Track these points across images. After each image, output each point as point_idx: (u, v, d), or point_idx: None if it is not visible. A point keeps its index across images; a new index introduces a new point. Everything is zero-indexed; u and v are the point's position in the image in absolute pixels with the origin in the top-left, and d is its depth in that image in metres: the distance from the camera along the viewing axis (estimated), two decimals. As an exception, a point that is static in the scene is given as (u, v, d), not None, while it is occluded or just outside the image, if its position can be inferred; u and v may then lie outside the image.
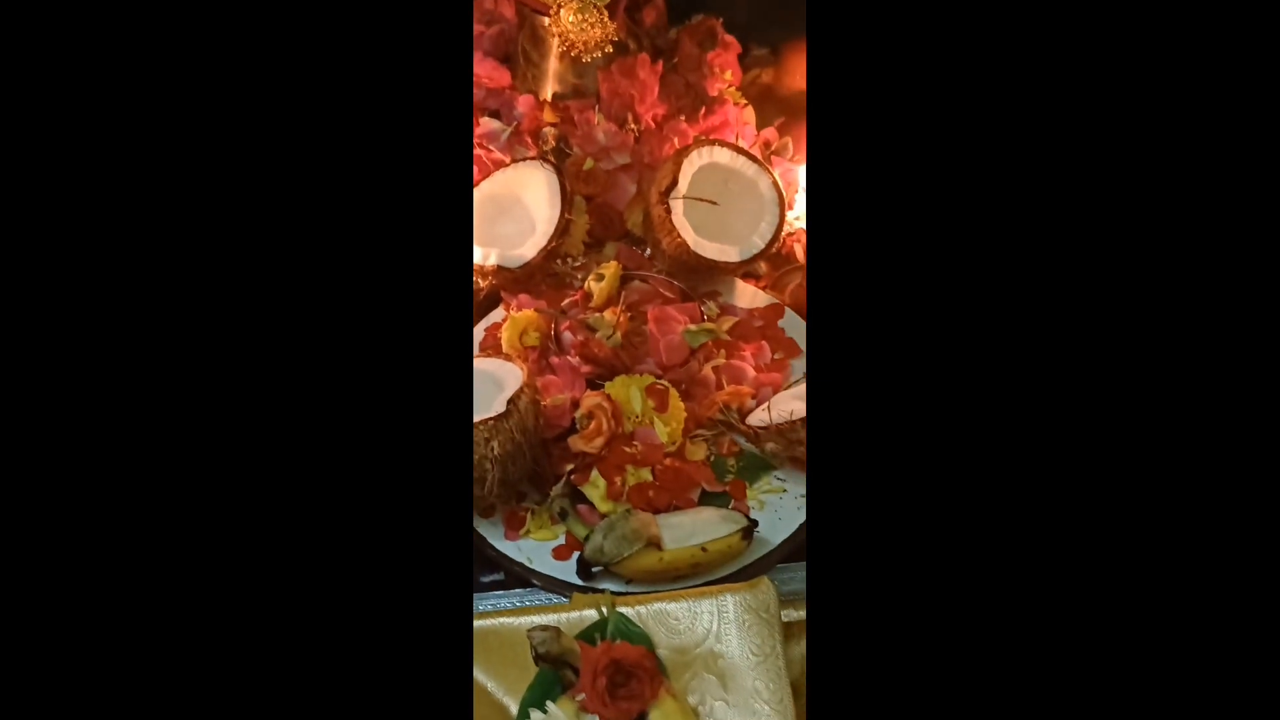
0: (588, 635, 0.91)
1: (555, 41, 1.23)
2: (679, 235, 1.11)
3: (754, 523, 1.00)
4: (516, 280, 1.18)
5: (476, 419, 1.00)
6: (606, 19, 1.19)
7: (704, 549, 0.97)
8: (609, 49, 1.19)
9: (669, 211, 1.12)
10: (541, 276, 1.19)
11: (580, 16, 1.17)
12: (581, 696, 0.86)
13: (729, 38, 1.30)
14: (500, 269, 1.17)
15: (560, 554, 1.02)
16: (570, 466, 1.05)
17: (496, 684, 0.96)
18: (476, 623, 0.97)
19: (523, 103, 1.23)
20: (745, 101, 1.30)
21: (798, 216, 1.24)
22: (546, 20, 1.23)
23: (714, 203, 1.15)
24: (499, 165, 1.22)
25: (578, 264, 1.21)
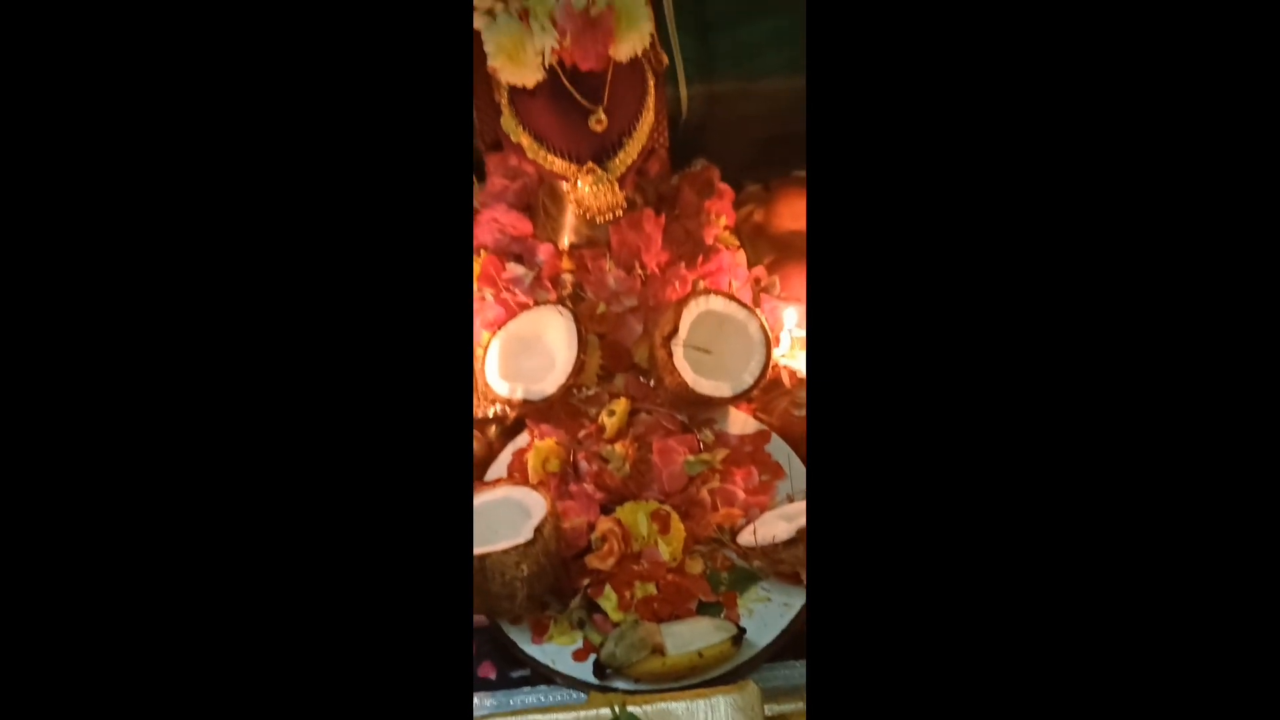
0: (602, 730, 0.97)
1: (572, 203, 1.32)
2: (679, 375, 1.20)
3: (743, 630, 1.07)
4: (539, 411, 1.26)
5: (507, 545, 1.08)
6: (617, 189, 1.28)
7: (700, 654, 1.04)
8: (620, 212, 1.29)
9: (670, 355, 1.20)
10: (561, 408, 1.27)
11: (595, 188, 1.26)
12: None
13: (724, 186, 1.41)
14: (525, 401, 1.24)
15: (579, 656, 1.09)
16: (587, 581, 1.12)
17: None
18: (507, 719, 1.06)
19: (543, 250, 1.31)
20: (738, 244, 1.38)
21: (784, 354, 1.31)
22: (564, 185, 1.28)
23: (708, 351, 1.24)
24: (523, 307, 1.30)
25: (591, 393, 1.28)
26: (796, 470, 1.22)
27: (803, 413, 1.29)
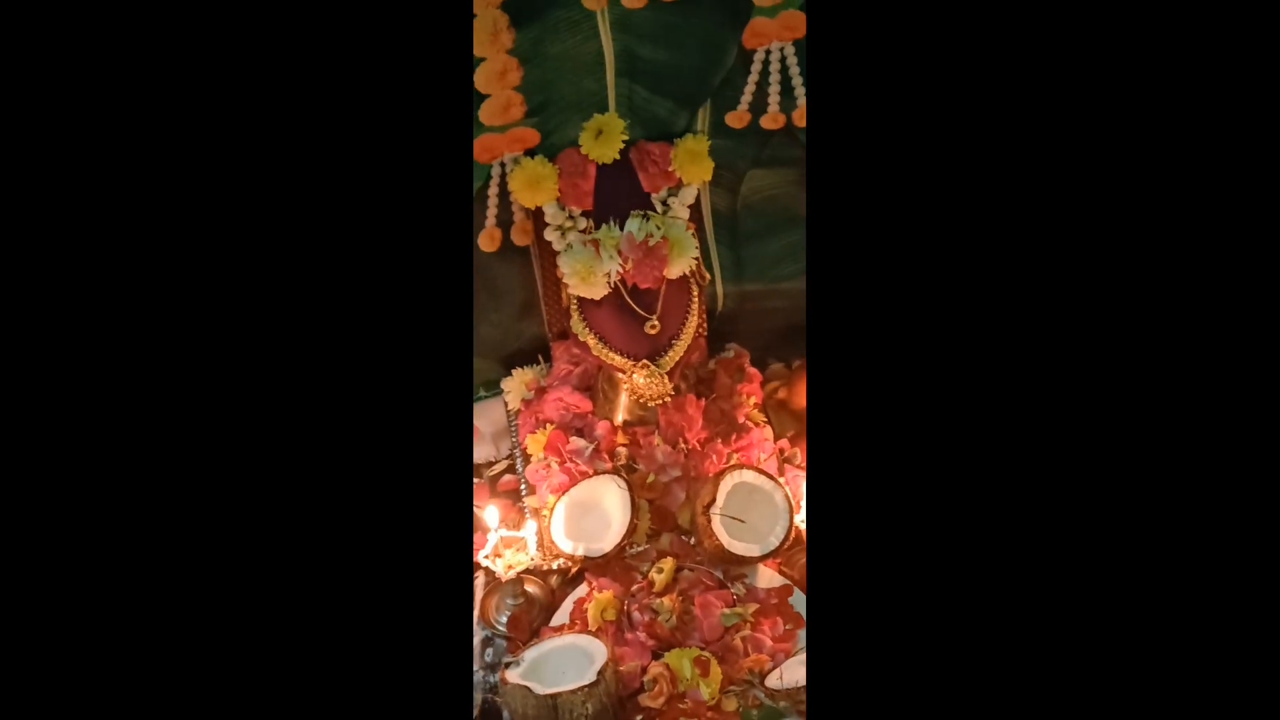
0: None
1: (626, 390, 1.39)
2: (717, 539, 1.26)
3: None
4: (597, 566, 1.31)
5: (575, 686, 1.14)
6: (666, 381, 1.35)
7: None
8: (668, 399, 1.36)
9: (709, 521, 1.27)
10: (616, 563, 1.32)
11: (648, 379, 1.34)
12: None
13: (753, 370, 1.47)
14: (586, 557, 1.31)
15: None
16: (640, 718, 1.17)
17: None
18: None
19: (601, 427, 1.38)
20: (765, 420, 1.43)
21: (802, 519, 1.34)
22: (621, 375, 1.38)
23: (742, 520, 1.29)
24: (583, 475, 1.36)
25: (642, 549, 1.34)
26: (803, 608, 1.28)
27: None
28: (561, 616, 1.31)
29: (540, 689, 1.16)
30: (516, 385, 1.49)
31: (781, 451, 1.45)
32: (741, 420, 1.43)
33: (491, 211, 1.39)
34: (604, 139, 1.31)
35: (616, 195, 1.35)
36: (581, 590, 1.33)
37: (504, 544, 1.37)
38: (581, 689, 1.15)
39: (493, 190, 1.37)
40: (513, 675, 1.19)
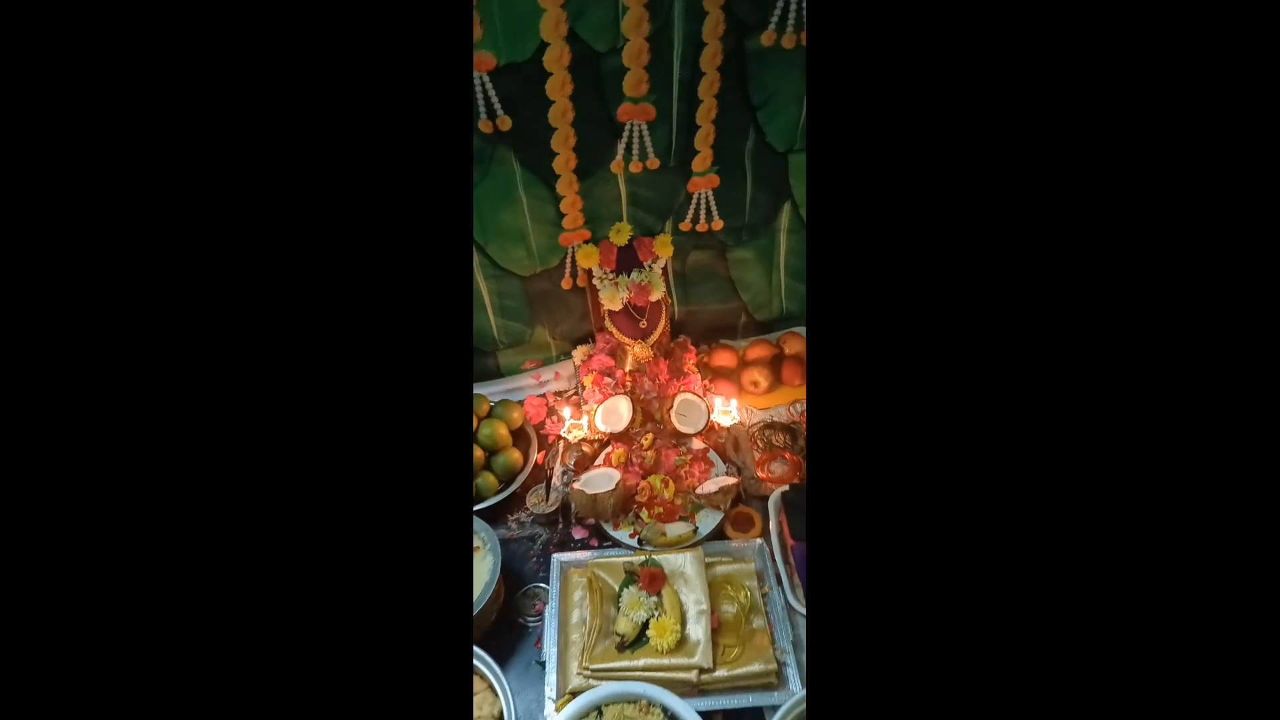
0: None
1: (631, 355, 1.37)
2: (674, 424, 1.30)
3: (696, 528, 1.16)
4: (617, 437, 1.27)
5: (605, 490, 1.14)
6: (650, 350, 1.34)
7: (680, 536, 1.15)
8: (650, 359, 1.37)
9: (670, 415, 1.31)
10: (625, 436, 1.28)
11: (641, 350, 1.33)
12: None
13: (691, 347, 1.45)
14: (611, 433, 1.27)
15: (632, 535, 1.16)
16: (635, 506, 1.22)
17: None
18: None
19: (619, 373, 1.38)
20: (697, 372, 1.42)
21: (715, 415, 1.32)
22: (629, 347, 1.37)
23: (685, 416, 1.31)
24: (610, 395, 1.33)
25: (636, 430, 1.28)
26: (717, 462, 1.28)
27: (724, 439, 1.31)
28: (600, 460, 1.31)
29: (589, 491, 1.19)
30: (579, 353, 1.45)
31: (706, 388, 1.43)
32: (685, 370, 1.42)
33: (568, 270, 1.36)
34: (620, 234, 1.32)
35: (627, 262, 1.36)
36: (609, 449, 1.32)
37: (573, 426, 1.37)
38: (608, 492, 1.19)
39: (569, 260, 1.35)
40: (576, 485, 1.22)
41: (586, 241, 1.32)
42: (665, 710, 0.85)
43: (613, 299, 1.32)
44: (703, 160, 1.24)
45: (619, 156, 1.20)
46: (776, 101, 1.18)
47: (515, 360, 1.48)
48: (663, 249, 1.33)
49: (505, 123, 1.11)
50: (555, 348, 1.48)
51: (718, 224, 1.33)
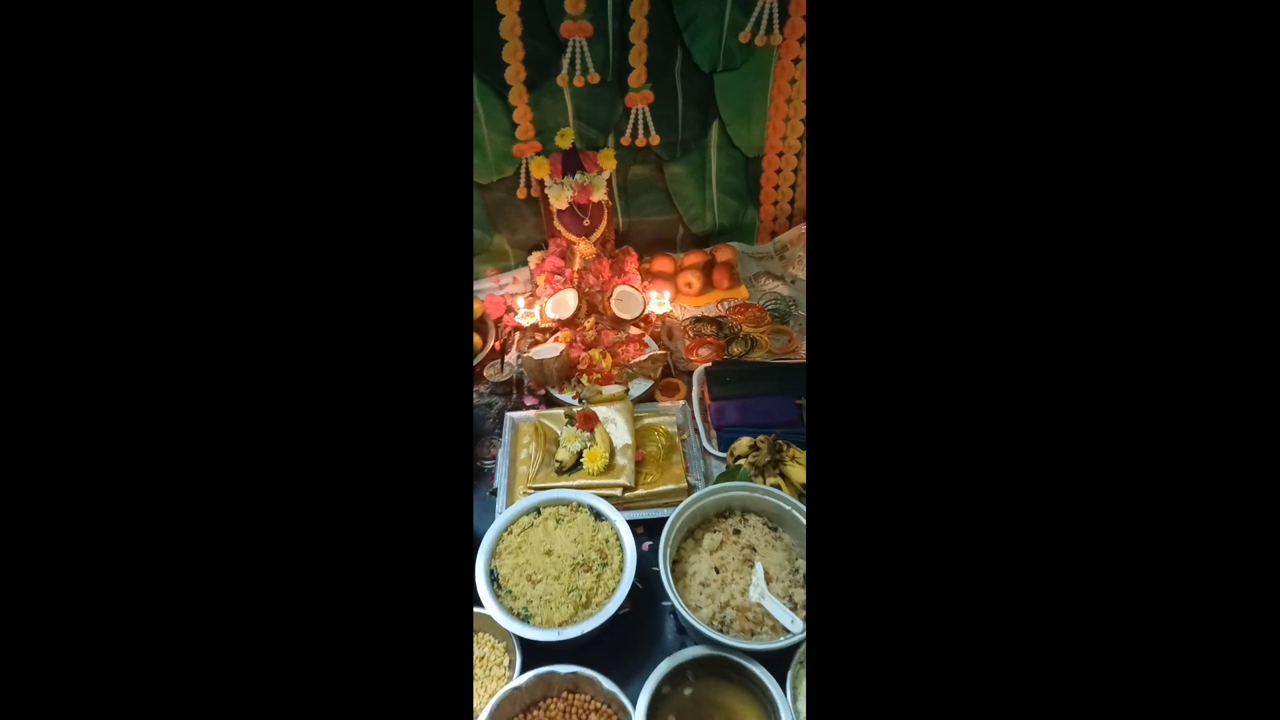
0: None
1: (578, 252, 1.47)
2: (614, 311, 1.43)
3: (629, 389, 1.27)
4: (564, 322, 1.39)
5: (550, 356, 1.24)
6: (593, 247, 1.46)
7: (612, 396, 1.23)
8: (594, 257, 1.47)
9: (610, 304, 1.44)
10: (571, 321, 1.39)
11: (585, 247, 1.44)
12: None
13: (634, 253, 1.55)
14: (558, 320, 1.37)
15: (575, 396, 1.26)
16: (578, 371, 1.34)
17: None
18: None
19: (568, 271, 1.47)
20: (638, 274, 1.53)
21: (650, 307, 1.44)
22: (576, 246, 1.45)
23: (622, 302, 1.41)
24: (559, 289, 1.42)
25: (582, 318, 1.43)
26: (651, 344, 1.38)
27: (659, 328, 1.43)
28: (550, 340, 1.41)
29: (536, 358, 1.31)
30: (534, 257, 1.56)
31: (644, 285, 1.53)
32: (626, 270, 1.52)
33: (522, 180, 1.45)
34: (565, 139, 1.40)
35: (573, 168, 1.45)
36: (559, 333, 1.42)
37: (526, 315, 1.46)
38: (554, 359, 1.31)
39: (523, 171, 1.44)
40: (527, 354, 1.32)
41: (538, 154, 1.39)
42: (591, 509, 1.00)
43: (559, 198, 1.42)
44: (638, 76, 1.34)
45: (564, 71, 1.29)
46: (699, 23, 1.29)
47: (478, 268, 1.59)
48: (606, 161, 1.41)
49: (462, 34, 1.26)
50: (513, 256, 1.58)
51: (655, 139, 1.43)
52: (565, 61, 1.28)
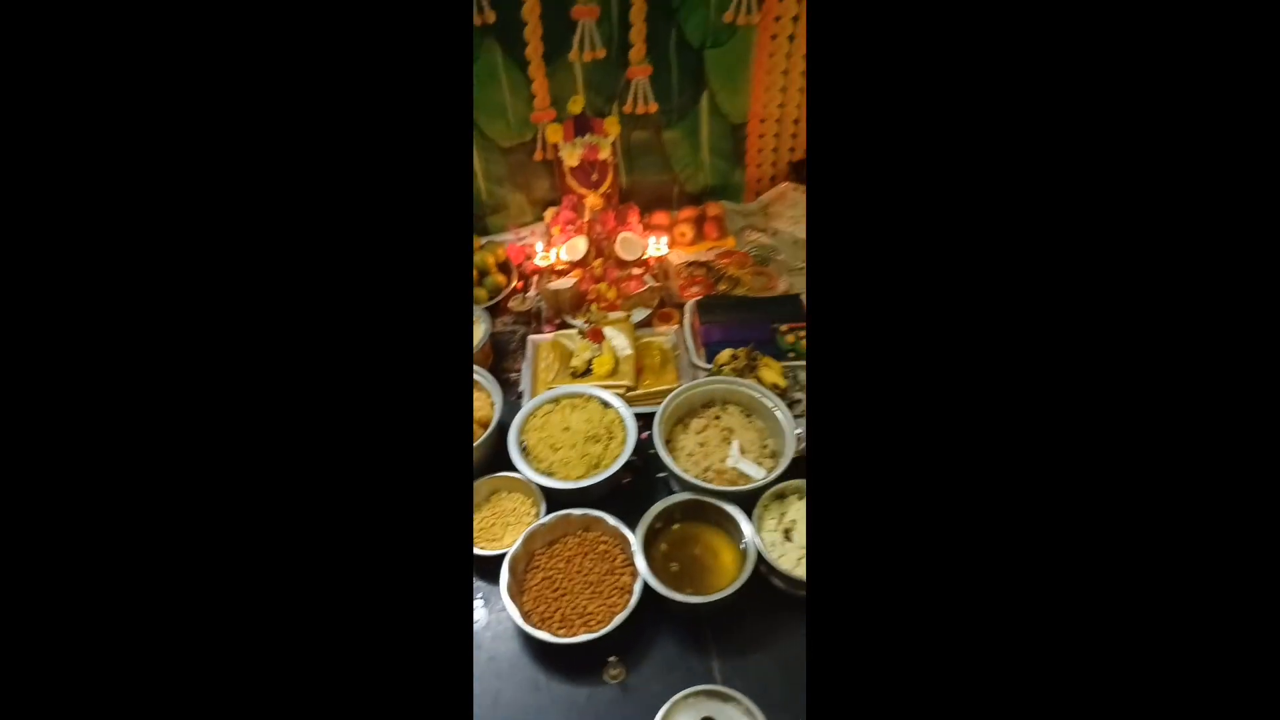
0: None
1: (588, 205, 1.53)
2: (620, 254, 1.51)
3: (630, 315, 1.49)
4: (576, 263, 1.52)
5: (565, 288, 1.44)
6: (601, 200, 1.53)
7: (623, 319, 1.45)
8: (602, 207, 1.53)
9: (616, 248, 1.52)
10: (583, 262, 1.52)
11: (594, 199, 1.54)
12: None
13: (636, 208, 1.57)
14: (570, 261, 1.50)
15: None
16: (590, 299, 1.49)
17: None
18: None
19: (579, 221, 1.56)
20: (641, 224, 1.59)
21: (649, 250, 1.51)
22: (585, 199, 1.54)
23: (627, 245, 1.52)
24: (571, 236, 1.52)
25: (592, 265, 1.51)
26: (651, 283, 1.48)
27: (656, 270, 1.51)
28: (568, 273, 1.52)
29: (552, 288, 1.46)
30: (550, 212, 1.63)
31: (646, 236, 1.59)
32: (629, 222, 1.60)
33: (539, 145, 1.57)
34: (576, 104, 1.50)
35: (582, 130, 1.53)
36: (569, 272, 1.52)
37: (543, 257, 1.55)
38: (568, 288, 1.47)
39: (540, 136, 1.56)
40: (545, 286, 1.47)
41: (553, 120, 1.51)
42: (600, 400, 1.20)
43: (571, 155, 1.52)
44: (638, 52, 1.48)
45: (575, 48, 1.44)
46: (690, 4, 1.46)
47: (500, 222, 1.75)
48: (611, 127, 1.51)
49: (490, 16, 1.40)
50: (531, 213, 1.71)
51: (653, 106, 1.56)
52: (575, 40, 1.43)
